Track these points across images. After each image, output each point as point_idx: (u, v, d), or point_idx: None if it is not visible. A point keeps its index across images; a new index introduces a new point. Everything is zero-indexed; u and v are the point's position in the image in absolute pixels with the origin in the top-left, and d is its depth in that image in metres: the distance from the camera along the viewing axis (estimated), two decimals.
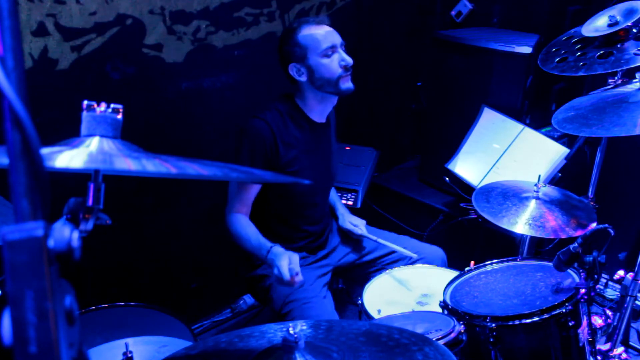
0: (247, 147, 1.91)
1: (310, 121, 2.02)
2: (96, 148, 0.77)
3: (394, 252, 2.21)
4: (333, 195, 2.36)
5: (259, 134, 1.90)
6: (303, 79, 1.92)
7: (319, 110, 2.03)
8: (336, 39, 1.92)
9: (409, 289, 1.99)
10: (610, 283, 2.83)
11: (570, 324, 1.54)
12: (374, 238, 2.19)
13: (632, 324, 2.49)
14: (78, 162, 0.72)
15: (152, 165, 0.74)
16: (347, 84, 1.93)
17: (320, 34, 1.90)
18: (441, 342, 1.44)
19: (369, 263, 2.24)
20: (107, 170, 0.77)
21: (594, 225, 1.80)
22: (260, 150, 1.90)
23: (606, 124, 1.68)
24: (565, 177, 2.36)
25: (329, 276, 2.17)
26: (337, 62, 1.90)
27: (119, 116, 0.82)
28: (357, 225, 2.23)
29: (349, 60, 1.91)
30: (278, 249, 1.85)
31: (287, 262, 1.77)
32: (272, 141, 1.91)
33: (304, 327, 1.10)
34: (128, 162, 0.73)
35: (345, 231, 2.25)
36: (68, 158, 0.72)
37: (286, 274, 1.75)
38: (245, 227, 1.94)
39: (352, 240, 2.28)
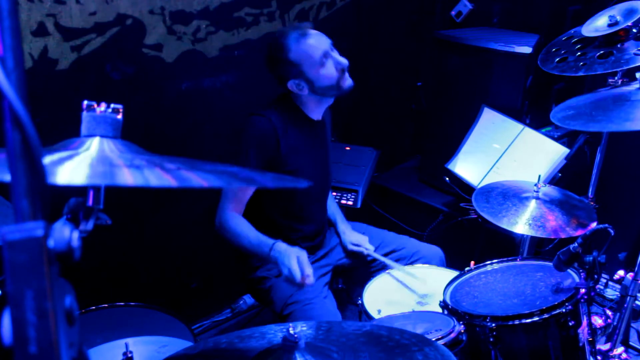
0: (248, 145, 1.89)
1: (309, 119, 2.02)
2: (96, 151, 0.76)
3: (394, 251, 2.21)
4: (333, 206, 2.32)
5: (261, 132, 1.89)
6: (304, 92, 1.92)
7: (318, 110, 2.04)
8: (324, 44, 1.88)
9: (409, 289, 1.99)
10: (610, 283, 2.83)
11: (570, 324, 1.54)
12: (382, 258, 2.14)
13: (632, 324, 2.49)
14: (80, 177, 0.68)
15: (155, 179, 0.71)
16: (347, 82, 1.93)
17: (309, 45, 1.86)
18: (441, 342, 1.44)
19: (369, 263, 2.23)
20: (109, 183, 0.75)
21: (594, 225, 1.80)
22: (262, 148, 1.88)
23: (614, 119, 1.68)
24: (565, 177, 2.36)
25: (329, 276, 2.17)
26: (333, 67, 1.89)
27: (119, 116, 0.82)
28: (361, 244, 2.19)
29: (344, 62, 1.91)
30: (281, 245, 1.79)
31: (296, 261, 1.72)
32: (275, 139, 1.89)
33: (304, 328, 1.10)
34: (128, 176, 0.70)
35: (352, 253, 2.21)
36: (69, 172, 0.69)
37: (298, 275, 1.70)
38: (242, 224, 1.90)
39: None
